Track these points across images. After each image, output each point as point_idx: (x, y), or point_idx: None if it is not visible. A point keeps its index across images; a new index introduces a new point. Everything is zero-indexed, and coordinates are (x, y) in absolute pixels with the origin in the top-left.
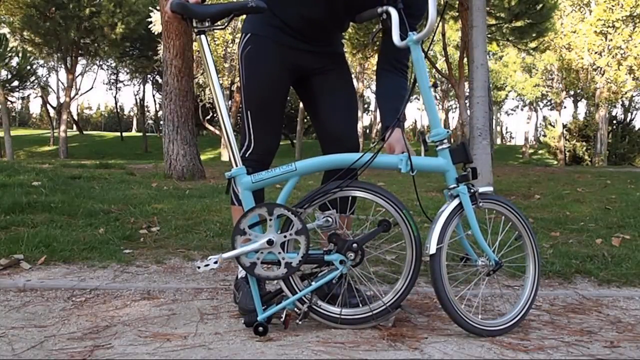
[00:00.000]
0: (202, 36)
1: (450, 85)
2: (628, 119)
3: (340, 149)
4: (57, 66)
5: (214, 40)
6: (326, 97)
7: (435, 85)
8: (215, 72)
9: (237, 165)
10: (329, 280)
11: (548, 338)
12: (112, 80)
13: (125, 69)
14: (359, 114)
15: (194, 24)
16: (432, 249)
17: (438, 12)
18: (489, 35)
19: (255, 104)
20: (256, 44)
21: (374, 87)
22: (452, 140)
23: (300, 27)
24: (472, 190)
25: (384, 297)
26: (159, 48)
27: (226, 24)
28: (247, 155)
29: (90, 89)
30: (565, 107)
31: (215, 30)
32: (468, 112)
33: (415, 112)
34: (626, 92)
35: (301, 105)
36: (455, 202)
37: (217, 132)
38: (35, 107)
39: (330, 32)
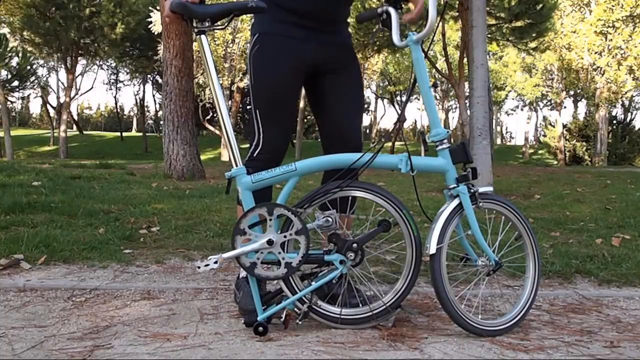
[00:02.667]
0: (202, 36)
1: (450, 85)
2: (628, 119)
3: (345, 149)
4: (57, 66)
5: (214, 40)
6: (336, 96)
7: (435, 85)
8: (215, 72)
9: (237, 165)
10: (329, 280)
11: (548, 338)
12: (112, 80)
13: (125, 69)
14: None
15: (194, 24)
16: (432, 249)
17: (438, 12)
18: (489, 35)
19: (263, 102)
20: (266, 42)
21: (373, 87)
22: (452, 140)
23: (306, 8)
24: (472, 190)
25: (384, 297)
26: (159, 48)
27: (226, 24)
28: (255, 155)
29: (90, 89)
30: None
31: (215, 30)
32: (468, 112)
33: (415, 112)
34: (626, 92)
35: (301, 105)
36: (455, 202)
37: (217, 132)
38: (35, 107)
39: (335, 8)
